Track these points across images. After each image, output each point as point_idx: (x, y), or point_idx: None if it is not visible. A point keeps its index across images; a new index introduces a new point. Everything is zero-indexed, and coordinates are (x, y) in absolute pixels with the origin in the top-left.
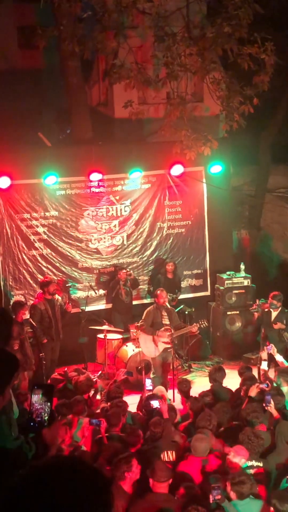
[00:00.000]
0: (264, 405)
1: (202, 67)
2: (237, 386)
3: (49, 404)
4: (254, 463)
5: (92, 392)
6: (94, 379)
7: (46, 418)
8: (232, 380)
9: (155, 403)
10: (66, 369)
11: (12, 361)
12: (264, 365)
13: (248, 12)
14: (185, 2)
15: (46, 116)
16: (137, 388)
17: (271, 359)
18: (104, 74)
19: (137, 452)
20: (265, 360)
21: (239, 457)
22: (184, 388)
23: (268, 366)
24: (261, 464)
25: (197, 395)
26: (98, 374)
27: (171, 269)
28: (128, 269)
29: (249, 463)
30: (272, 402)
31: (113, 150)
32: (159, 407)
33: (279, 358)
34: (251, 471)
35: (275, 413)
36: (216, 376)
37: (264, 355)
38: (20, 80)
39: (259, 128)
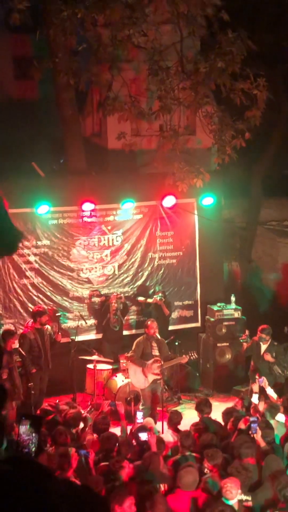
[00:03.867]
0: (250, 432)
1: (195, 100)
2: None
3: (36, 435)
4: (243, 497)
5: (81, 426)
6: (84, 415)
7: (33, 449)
8: (221, 413)
9: (143, 436)
10: (57, 401)
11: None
12: (254, 398)
13: (241, 48)
14: (179, 37)
15: (40, 146)
16: (126, 419)
17: (261, 392)
18: (98, 105)
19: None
20: (256, 393)
21: (236, 489)
22: (175, 419)
23: (258, 399)
24: (249, 498)
25: (187, 428)
26: (88, 409)
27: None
28: (118, 293)
29: (239, 497)
30: (258, 430)
31: (106, 181)
32: (147, 439)
33: (270, 391)
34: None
35: (262, 442)
36: (202, 408)
37: (255, 387)
38: (15, 110)
39: (251, 161)
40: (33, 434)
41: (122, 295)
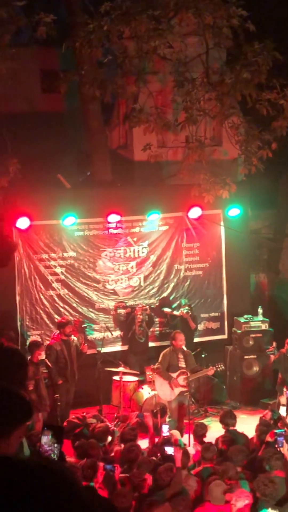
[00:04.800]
0: (276, 446)
1: (221, 111)
2: (253, 431)
3: (58, 445)
4: (271, 510)
5: (109, 439)
6: (112, 428)
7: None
8: (248, 426)
9: (169, 450)
10: (84, 413)
11: (23, 408)
12: (282, 411)
13: (267, 58)
14: (205, 48)
15: (67, 158)
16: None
17: None
18: (124, 117)
19: (143, 500)
20: (284, 405)
21: (242, 500)
22: (199, 432)
23: (286, 412)
24: None
25: (213, 441)
26: (115, 423)
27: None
28: (144, 304)
29: (266, 511)
30: (285, 444)
31: (132, 192)
32: (173, 454)
33: None
34: None
35: None
36: (227, 421)
37: (283, 400)
38: (42, 123)
39: (278, 171)
40: (55, 445)
41: (147, 306)
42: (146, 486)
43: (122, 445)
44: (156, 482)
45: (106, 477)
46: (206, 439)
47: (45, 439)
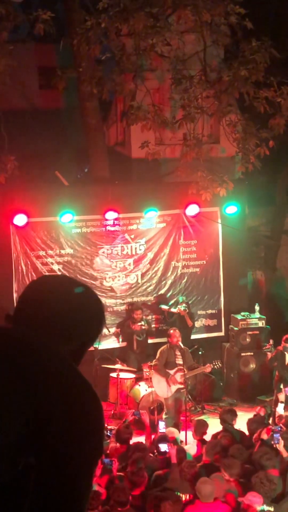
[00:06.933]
0: (272, 443)
1: (219, 109)
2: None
3: None
4: (265, 507)
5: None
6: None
7: None
8: (245, 423)
9: (163, 447)
10: None
11: None
12: (280, 408)
13: (265, 56)
14: (202, 46)
15: (64, 155)
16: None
17: (287, 402)
18: (121, 115)
19: (143, 494)
20: (282, 402)
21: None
22: (200, 429)
23: (284, 409)
24: (272, 509)
25: (209, 437)
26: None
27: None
28: (142, 310)
29: (261, 508)
30: (281, 441)
31: (130, 190)
32: (167, 450)
33: None
34: None
35: (285, 453)
36: (227, 418)
37: (281, 397)
38: (40, 119)
39: (276, 169)
40: None
41: (150, 317)
42: (144, 483)
43: (118, 443)
44: (160, 478)
45: (103, 471)
46: (205, 436)
47: None
